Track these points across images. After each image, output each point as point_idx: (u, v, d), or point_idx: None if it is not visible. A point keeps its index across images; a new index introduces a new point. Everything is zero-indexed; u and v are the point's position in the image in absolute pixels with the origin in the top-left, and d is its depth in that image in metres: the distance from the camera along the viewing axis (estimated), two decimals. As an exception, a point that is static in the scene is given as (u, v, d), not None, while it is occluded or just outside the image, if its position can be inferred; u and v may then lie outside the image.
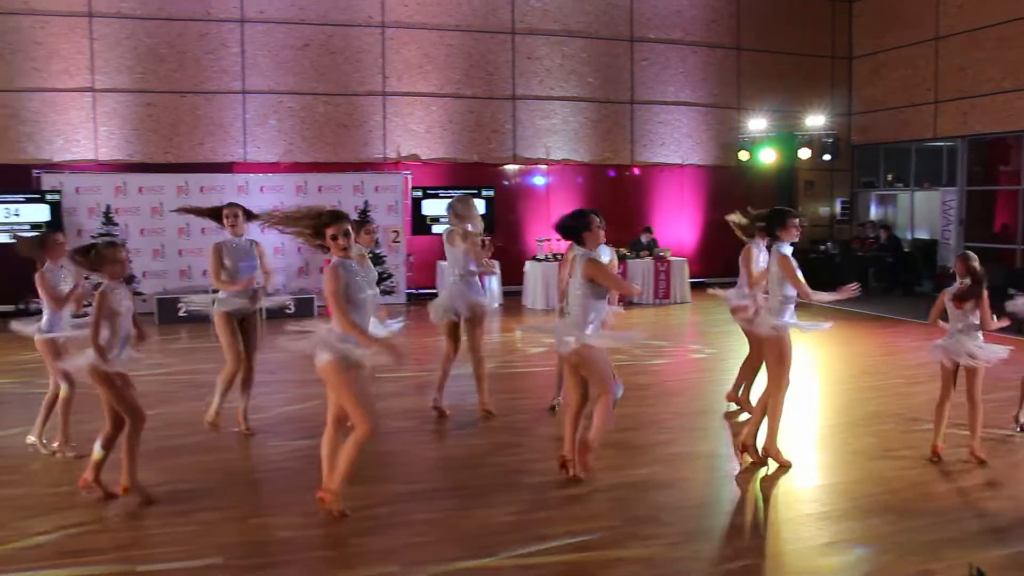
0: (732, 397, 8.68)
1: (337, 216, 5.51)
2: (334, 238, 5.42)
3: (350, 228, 5.50)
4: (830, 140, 18.87)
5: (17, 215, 15.39)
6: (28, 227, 15.24)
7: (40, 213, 15.49)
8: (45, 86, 16.19)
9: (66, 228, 15.54)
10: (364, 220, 6.66)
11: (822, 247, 20.26)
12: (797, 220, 6.76)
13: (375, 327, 5.88)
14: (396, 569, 4.96)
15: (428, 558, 5.11)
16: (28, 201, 15.52)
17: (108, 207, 15.68)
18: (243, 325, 7.67)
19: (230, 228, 7.64)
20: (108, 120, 16.54)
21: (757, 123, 18.97)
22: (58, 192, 15.70)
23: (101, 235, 15.35)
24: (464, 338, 8.32)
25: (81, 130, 16.41)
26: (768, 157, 18.82)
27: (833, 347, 12.34)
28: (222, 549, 5.24)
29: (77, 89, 16.35)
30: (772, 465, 6.79)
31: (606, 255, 7.73)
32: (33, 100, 16.17)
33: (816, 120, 18.71)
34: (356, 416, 5.43)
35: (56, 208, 15.58)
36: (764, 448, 6.81)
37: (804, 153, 18.59)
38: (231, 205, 7.79)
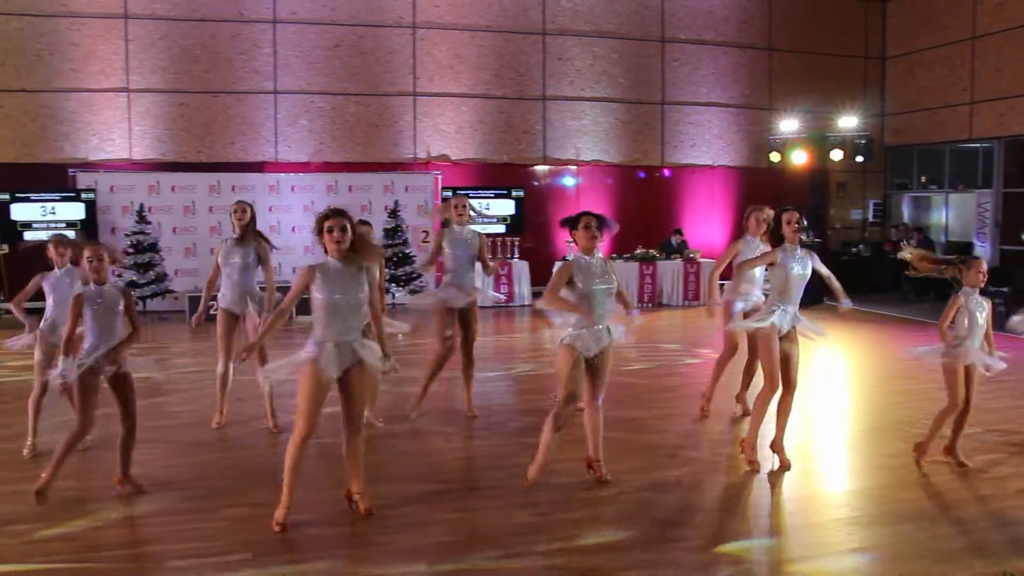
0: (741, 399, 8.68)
1: (336, 211, 5.49)
2: (330, 231, 5.39)
3: (347, 225, 5.44)
4: (863, 141, 18.67)
5: (53, 213, 15.60)
6: (64, 225, 15.46)
7: (75, 212, 15.69)
8: (81, 86, 16.40)
9: (100, 226, 15.77)
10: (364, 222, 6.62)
11: (854, 249, 20.09)
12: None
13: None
14: (422, 568, 4.97)
15: (454, 557, 5.11)
16: (64, 200, 15.73)
17: (141, 206, 15.84)
18: None
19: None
20: (142, 120, 16.72)
21: (789, 124, 18.82)
22: (93, 191, 15.90)
23: (134, 233, 15.53)
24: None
25: (116, 130, 16.61)
26: (800, 158, 18.67)
27: (864, 351, 12.24)
28: (250, 546, 5.28)
29: (112, 89, 16.54)
30: (801, 467, 6.74)
31: None
32: (70, 100, 16.38)
33: (848, 121, 18.53)
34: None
35: (91, 207, 15.77)
36: (742, 442, 6.81)
37: (836, 155, 18.41)
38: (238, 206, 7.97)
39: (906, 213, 21.26)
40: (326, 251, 5.43)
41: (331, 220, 5.39)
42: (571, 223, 6.29)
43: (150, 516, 5.80)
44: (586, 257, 6.19)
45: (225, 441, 7.59)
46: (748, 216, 8.33)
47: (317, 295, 5.37)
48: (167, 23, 16.68)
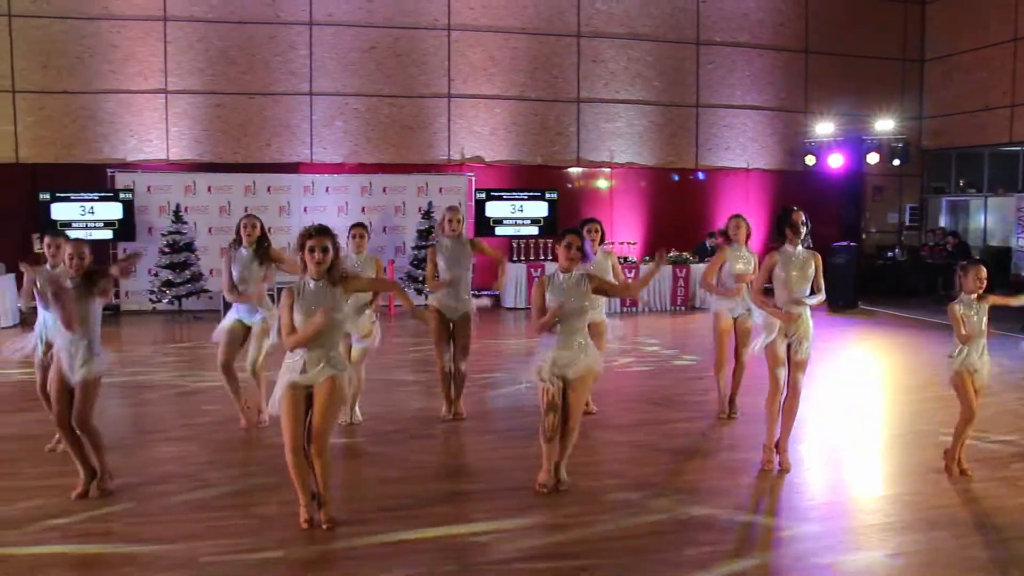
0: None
1: (320, 229, 5.47)
2: (311, 250, 5.38)
3: (329, 246, 5.40)
4: (900, 145, 18.50)
5: (92, 213, 15.82)
6: (102, 224, 15.69)
7: (113, 211, 15.91)
8: (120, 88, 16.63)
9: (137, 226, 15.98)
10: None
11: (889, 254, 19.89)
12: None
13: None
14: (453, 568, 4.99)
15: (486, 557, 5.13)
16: (102, 200, 15.94)
17: (178, 206, 16.02)
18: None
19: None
20: (179, 121, 16.92)
21: (824, 127, 18.68)
22: (131, 191, 16.11)
23: (171, 233, 15.71)
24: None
25: (154, 130, 16.82)
26: (835, 162, 18.53)
27: (900, 356, 12.12)
28: (283, 543, 5.33)
29: (151, 91, 16.75)
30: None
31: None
32: (109, 101, 16.61)
33: (885, 124, 18.35)
34: None
35: (128, 207, 15.98)
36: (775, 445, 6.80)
37: (873, 158, 18.24)
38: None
39: (943, 217, 21.02)
40: (305, 269, 5.44)
41: (313, 240, 5.38)
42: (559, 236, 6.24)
43: (184, 512, 5.86)
44: (560, 275, 6.11)
45: (259, 440, 7.66)
46: (729, 224, 8.59)
47: (296, 315, 5.37)
48: (205, 25, 16.87)
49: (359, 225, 8.05)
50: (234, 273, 7.85)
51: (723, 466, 6.98)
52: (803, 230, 6.62)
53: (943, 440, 7.32)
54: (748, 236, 8.43)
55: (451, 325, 8.21)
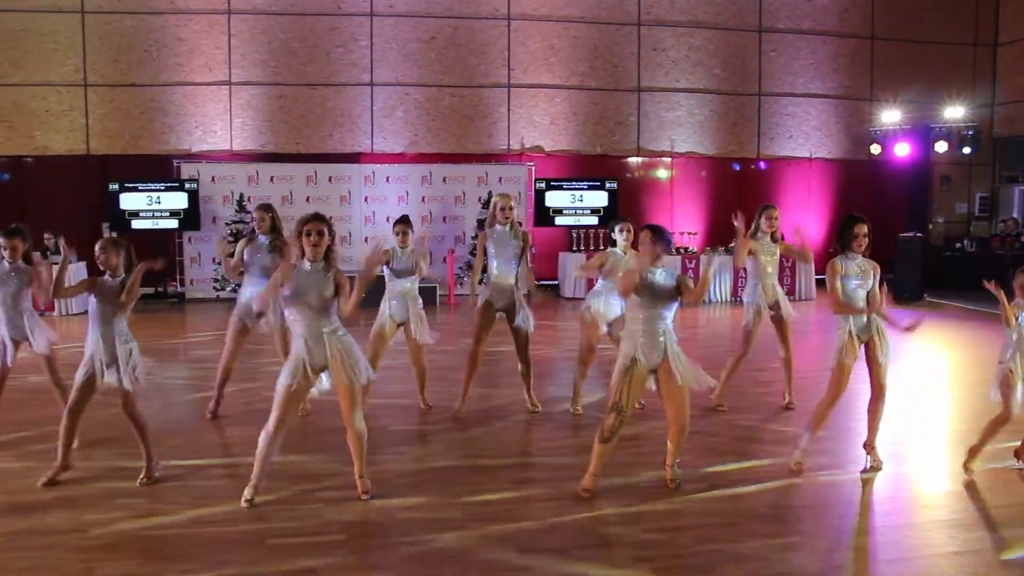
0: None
1: (316, 216, 5.75)
2: (308, 234, 5.63)
3: (325, 230, 5.68)
4: (970, 132, 18.04)
5: (158, 203, 16.14)
6: (167, 214, 16.02)
7: (179, 201, 16.21)
8: (186, 80, 16.94)
9: (202, 215, 16.27)
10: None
11: (958, 245, 19.44)
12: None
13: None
14: (513, 555, 5.01)
15: (545, 547, 5.14)
16: (168, 190, 16.25)
17: (241, 195, 16.28)
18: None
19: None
20: (242, 112, 17.18)
21: (891, 115, 18.31)
22: (195, 181, 16.40)
23: (234, 222, 15.97)
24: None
25: (218, 121, 17.11)
26: (902, 151, 18.15)
27: (966, 350, 11.86)
28: (345, 527, 5.40)
29: (215, 83, 17.04)
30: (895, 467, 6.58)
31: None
32: (175, 93, 16.94)
33: (955, 111, 17.92)
34: None
35: (193, 196, 16.27)
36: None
37: (941, 146, 17.83)
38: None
39: (1016, 207, 20.47)
40: (302, 252, 5.67)
41: (310, 224, 5.66)
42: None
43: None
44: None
45: (324, 426, 7.76)
46: (763, 214, 8.53)
47: (286, 292, 5.64)
48: (268, 17, 17.09)
49: (403, 221, 8.08)
50: (245, 257, 8.00)
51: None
52: (864, 241, 6.47)
53: (1012, 435, 7.15)
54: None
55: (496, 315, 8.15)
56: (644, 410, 8.06)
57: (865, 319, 6.42)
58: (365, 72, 17.51)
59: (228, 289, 15.76)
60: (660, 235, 5.98)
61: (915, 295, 16.43)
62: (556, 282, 17.61)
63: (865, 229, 6.42)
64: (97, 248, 6.11)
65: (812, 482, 6.35)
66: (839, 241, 6.51)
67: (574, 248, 17.39)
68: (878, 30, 19.36)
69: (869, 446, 6.64)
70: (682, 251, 16.93)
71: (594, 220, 17.60)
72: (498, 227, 8.16)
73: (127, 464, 6.42)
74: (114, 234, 7.46)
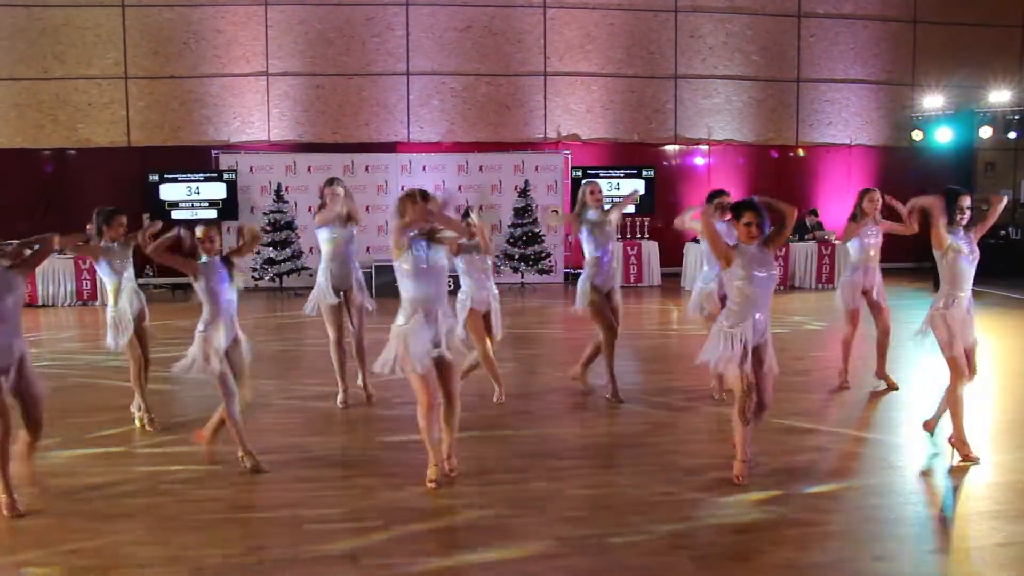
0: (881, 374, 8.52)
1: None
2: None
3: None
4: (1016, 117, 17.66)
5: (198, 193, 16.29)
6: (207, 204, 16.17)
7: (218, 191, 16.36)
8: (224, 71, 17.07)
9: (240, 205, 16.40)
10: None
11: (1003, 232, 19.07)
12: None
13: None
14: (550, 543, 5.01)
15: (581, 533, 5.13)
16: (207, 180, 16.40)
17: (279, 185, 16.38)
18: None
19: None
20: (280, 102, 17.29)
21: (933, 100, 18.00)
22: (234, 171, 16.53)
23: (272, 212, 16.08)
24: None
25: (256, 112, 17.23)
26: (944, 137, 17.85)
27: (1010, 339, 11.67)
28: (383, 513, 5.43)
29: (253, 74, 17.15)
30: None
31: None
32: (214, 85, 17.08)
33: (1000, 96, 17.55)
34: None
35: (232, 187, 16.40)
36: (950, 439, 6.45)
37: (985, 132, 17.50)
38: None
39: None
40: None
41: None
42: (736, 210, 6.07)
43: (288, 482, 6.01)
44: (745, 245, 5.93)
45: (362, 416, 7.80)
46: (863, 198, 8.38)
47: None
48: (304, 8, 17.16)
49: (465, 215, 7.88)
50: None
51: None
52: (968, 213, 6.33)
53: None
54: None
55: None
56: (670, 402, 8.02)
57: (964, 308, 6.29)
58: (401, 61, 17.53)
59: (267, 278, 15.87)
60: (759, 213, 5.91)
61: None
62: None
63: (969, 201, 6.30)
64: (202, 232, 6.17)
65: (853, 469, 6.28)
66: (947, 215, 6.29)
67: (611, 237, 17.28)
68: (920, 13, 19.02)
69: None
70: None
71: (631, 208, 17.47)
72: (591, 212, 8.13)
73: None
74: (158, 223, 7.47)
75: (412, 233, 5.66)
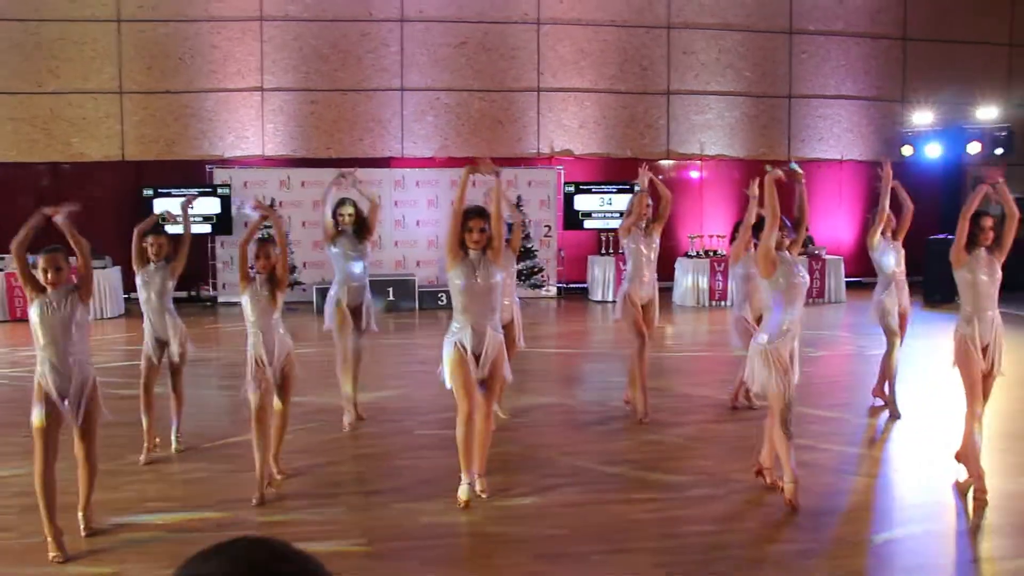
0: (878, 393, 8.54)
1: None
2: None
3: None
4: (1003, 134, 17.80)
5: (191, 208, 16.30)
6: (200, 218, 16.25)
7: (212, 206, 16.43)
8: (219, 87, 17.17)
9: (234, 219, 16.47)
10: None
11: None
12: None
13: None
14: (527, 560, 5.07)
15: (564, 550, 5.20)
16: (201, 194, 16.43)
17: (273, 200, 16.45)
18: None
19: None
20: (275, 117, 17.38)
21: (923, 116, 18.14)
22: (228, 186, 16.61)
23: (266, 227, 16.09)
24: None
25: (250, 127, 17.32)
26: (933, 152, 17.98)
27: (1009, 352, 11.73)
28: (367, 531, 5.49)
29: (247, 89, 17.25)
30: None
31: None
32: (209, 100, 17.17)
33: (988, 112, 17.70)
34: None
35: (226, 201, 16.48)
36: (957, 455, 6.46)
37: (973, 147, 17.64)
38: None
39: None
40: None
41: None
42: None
43: (271, 501, 6.06)
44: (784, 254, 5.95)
45: (343, 431, 7.86)
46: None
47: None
48: (299, 24, 17.28)
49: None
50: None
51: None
52: (991, 233, 6.32)
53: None
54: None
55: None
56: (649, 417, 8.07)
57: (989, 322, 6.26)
58: (395, 77, 17.64)
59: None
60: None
61: (946, 297, 16.19)
62: (586, 285, 17.62)
63: (991, 222, 6.30)
64: (258, 248, 6.32)
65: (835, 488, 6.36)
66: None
67: (603, 251, 17.39)
68: (911, 31, 19.19)
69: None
70: (711, 254, 16.89)
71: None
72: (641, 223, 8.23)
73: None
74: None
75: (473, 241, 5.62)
